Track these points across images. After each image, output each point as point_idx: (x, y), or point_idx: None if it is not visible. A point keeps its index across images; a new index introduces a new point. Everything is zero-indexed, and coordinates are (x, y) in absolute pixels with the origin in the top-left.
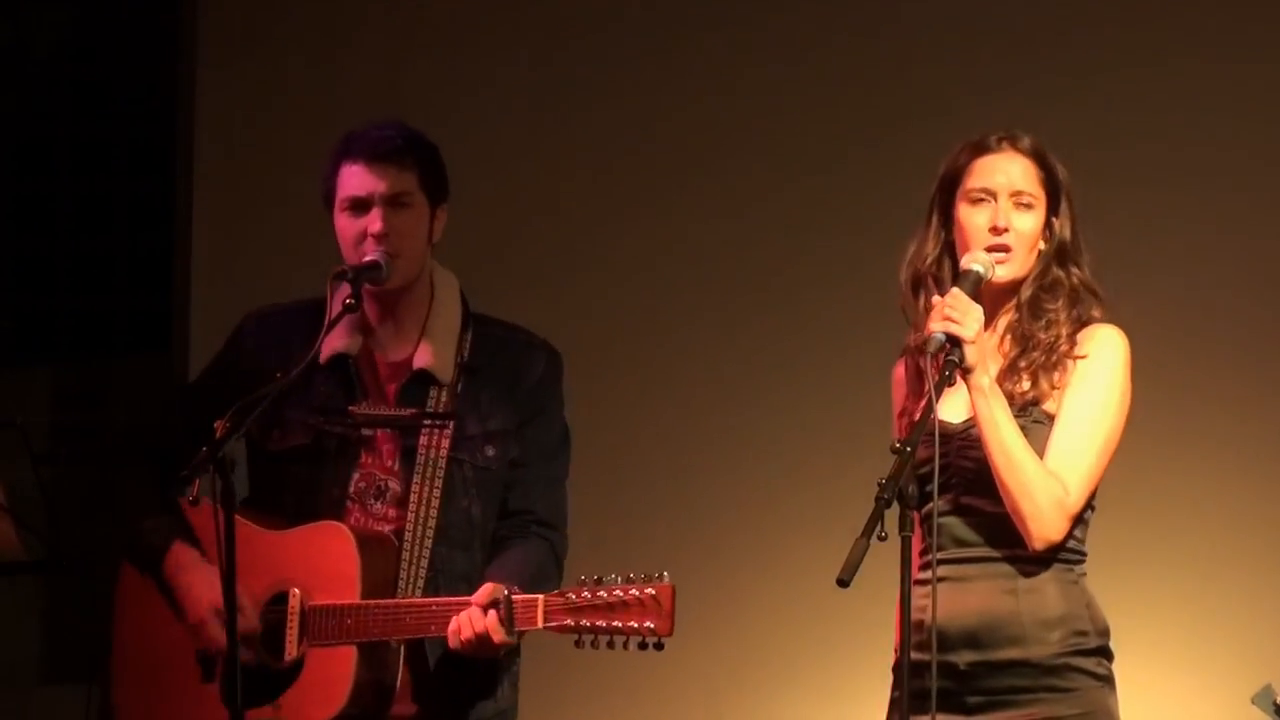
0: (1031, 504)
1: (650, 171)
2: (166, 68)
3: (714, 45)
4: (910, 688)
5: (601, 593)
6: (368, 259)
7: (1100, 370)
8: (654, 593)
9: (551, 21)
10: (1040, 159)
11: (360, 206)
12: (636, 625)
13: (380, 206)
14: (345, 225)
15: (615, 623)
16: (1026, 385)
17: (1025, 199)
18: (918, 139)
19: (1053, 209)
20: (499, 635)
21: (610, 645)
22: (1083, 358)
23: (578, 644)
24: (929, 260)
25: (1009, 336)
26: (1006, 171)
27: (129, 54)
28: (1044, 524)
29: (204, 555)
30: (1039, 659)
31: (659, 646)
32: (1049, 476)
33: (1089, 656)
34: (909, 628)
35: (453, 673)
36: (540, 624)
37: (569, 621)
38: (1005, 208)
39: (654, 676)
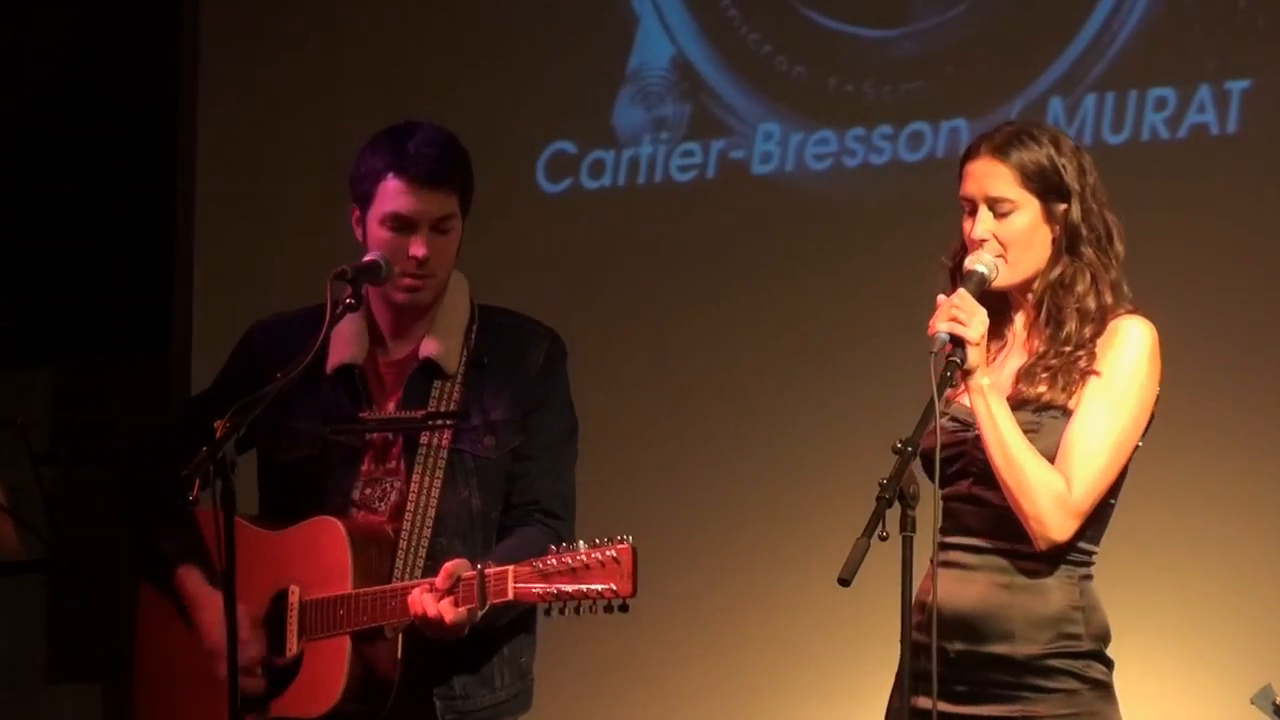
0: (1032, 504)
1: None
2: (166, 68)
3: None
4: (910, 668)
5: (566, 558)
6: (367, 259)
7: (1115, 365)
8: (614, 555)
9: (549, 18)
10: (1011, 158)
11: (405, 227)
12: (600, 588)
13: (425, 231)
14: (384, 239)
15: (580, 587)
16: (1043, 389)
17: (1004, 206)
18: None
19: (1053, 198)
20: (450, 615)
21: (578, 611)
22: (1095, 372)
23: (547, 612)
24: (954, 253)
25: (1031, 337)
26: (979, 179)
27: (129, 54)
28: (1045, 524)
29: (212, 576)
30: (1024, 657)
31: (623, 609)
32: (1051, 476)
33: (1078, 659)
34: (909, 623)
35: (447, 663)
36: (511, 594)
37: (536, 588)
38: (984, 216)
39: (655, 676)
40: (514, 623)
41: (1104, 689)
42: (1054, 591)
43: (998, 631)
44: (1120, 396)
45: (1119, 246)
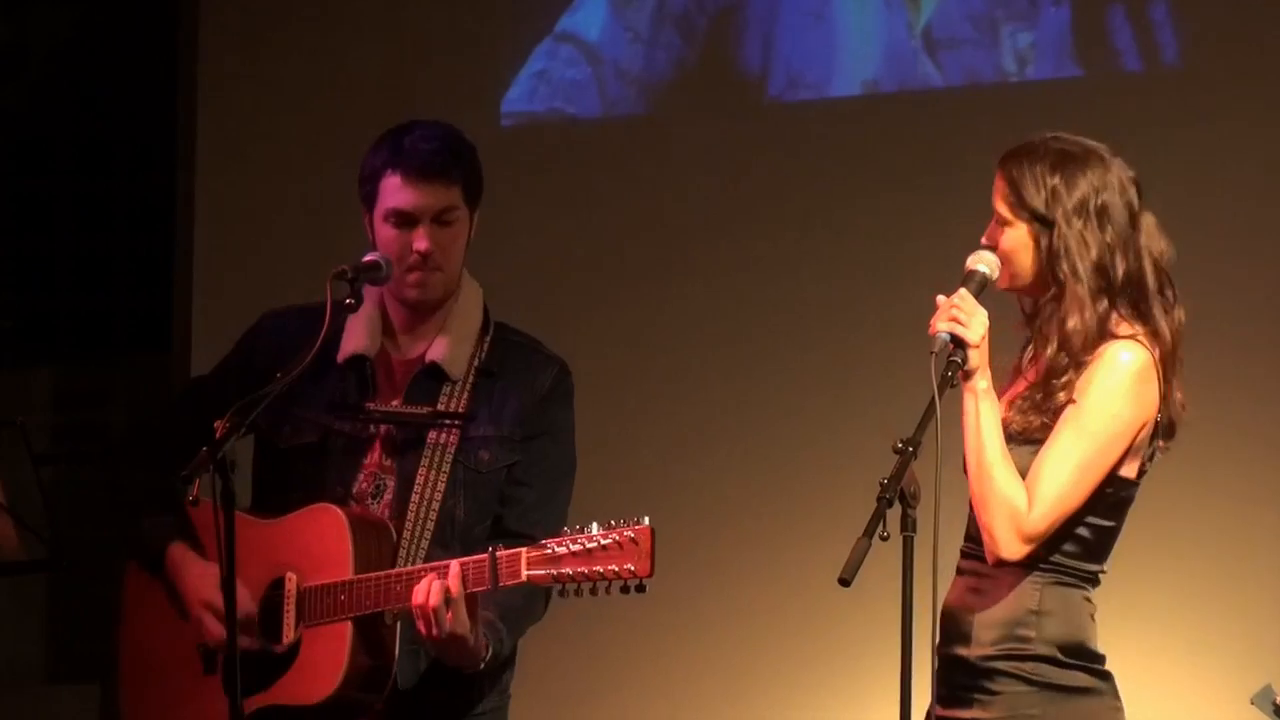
0: (989, 517)
1: (650, 164)
2: (166, 68)
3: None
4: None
5: (582, 540)
6: (367, 259)
7: (1090, 392)
8: (633, 535)
9: (548, 19)
10: (1006, 176)
11: (407, 222)
12: (617, 568)
13: (427, 225)
14: (389, 236)
15: (596, 568)
16: (1030, 418)
17: (1001, 218)
18: (925, 137)
19: (1038, 225)
20: (455, 587)
21: (593, 592)
22: (1071, 401)
23: (561, 593)
24: None
25: (1028, 362)
26: (995, 189)
27: (129, 54)
28: (996, 541)
29: (201, 552)
30: (974, 659)
31: (640, 589)
32: (1016, 492)
33: (1025, 661)
34: (910, 623)
35: (427, 678)
36: (524, 576)
37: (551, 570)
38: (992, 223)
39: (655, 676)
40: None
41: (1062, 693)
42: (1012, 596)
43: (959, 634)
44: (1088, 424)
45: (1117, 275)
